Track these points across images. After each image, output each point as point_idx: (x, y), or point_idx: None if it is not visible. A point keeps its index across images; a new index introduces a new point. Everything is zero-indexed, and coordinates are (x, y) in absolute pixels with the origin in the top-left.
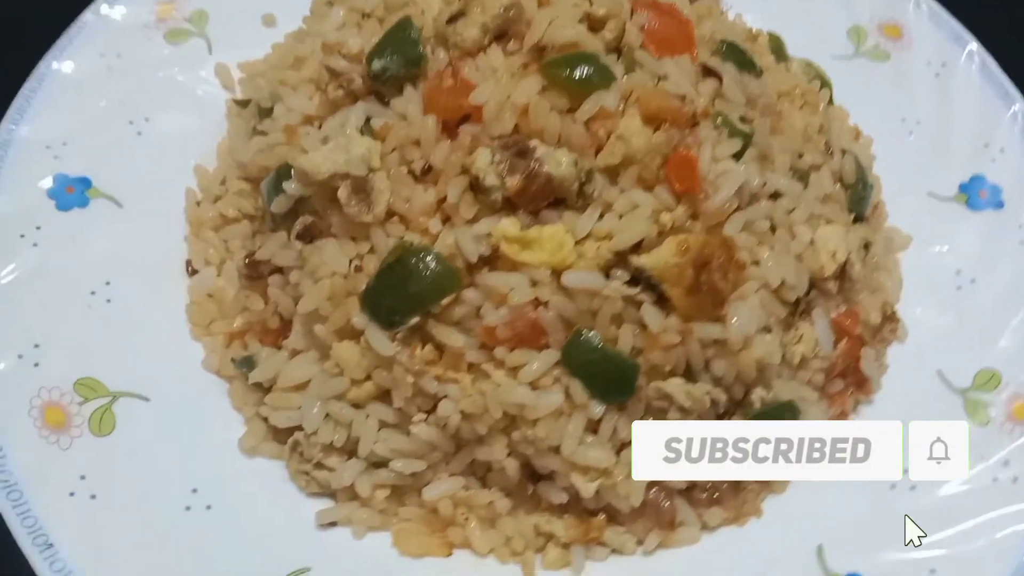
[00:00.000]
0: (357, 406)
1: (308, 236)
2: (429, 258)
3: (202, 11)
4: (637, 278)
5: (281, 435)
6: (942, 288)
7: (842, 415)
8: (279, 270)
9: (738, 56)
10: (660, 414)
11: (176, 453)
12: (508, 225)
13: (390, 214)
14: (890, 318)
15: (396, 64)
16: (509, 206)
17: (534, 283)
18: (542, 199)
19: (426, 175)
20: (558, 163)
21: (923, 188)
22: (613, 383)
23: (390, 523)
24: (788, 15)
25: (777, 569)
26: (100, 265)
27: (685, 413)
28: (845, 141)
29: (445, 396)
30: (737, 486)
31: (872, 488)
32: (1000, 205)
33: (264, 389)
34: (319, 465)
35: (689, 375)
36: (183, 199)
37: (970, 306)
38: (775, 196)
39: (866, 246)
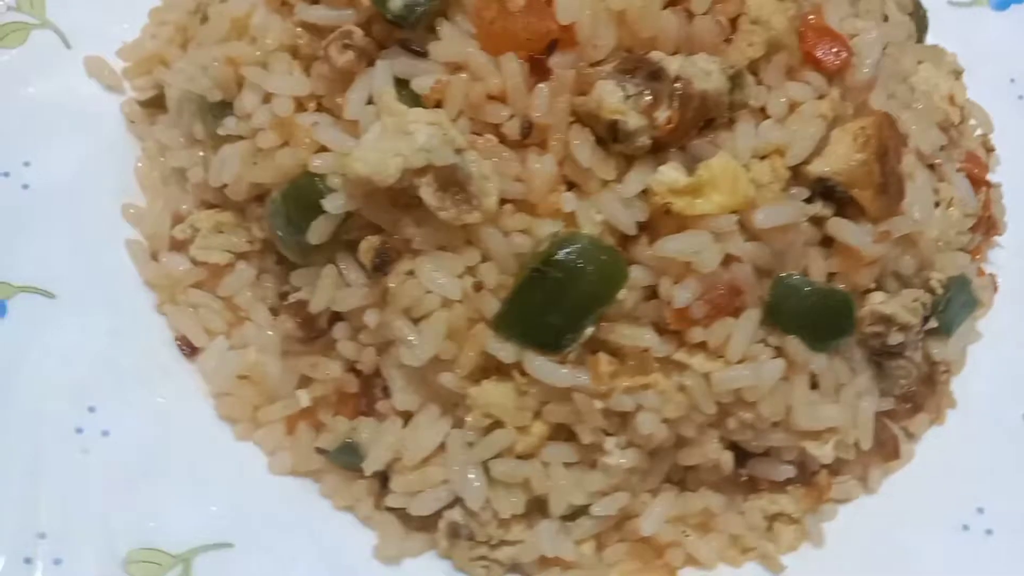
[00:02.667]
0: (523, 456)
1: (386, 264)
2: (582, 246)
3: None
4: (813, 191)
5: (419, 523)
6: (1005, 103)
7: (980, 270)
8: (338, 316)
9: None
10: (876, 339)
11: None
12: (673, 174)
13: (501, 204)
14: (990, 149)
15: None
16: (655, 149)
17: (718, 237)
18: (693, 127)
19: (528, 137)
20: (706, 75)
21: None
22: (836, 324)
23: (602, 573)
24: None
25: (996, 454)
26: (67, 389)
27: (906, 331)
28: None
29: (640, 408)
30: (931, 383)
31: None
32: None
33: (376, 474)
34: (502, 543)
35: (880, 285)
36: (126, 258)
37: None
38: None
39: (957, 76)
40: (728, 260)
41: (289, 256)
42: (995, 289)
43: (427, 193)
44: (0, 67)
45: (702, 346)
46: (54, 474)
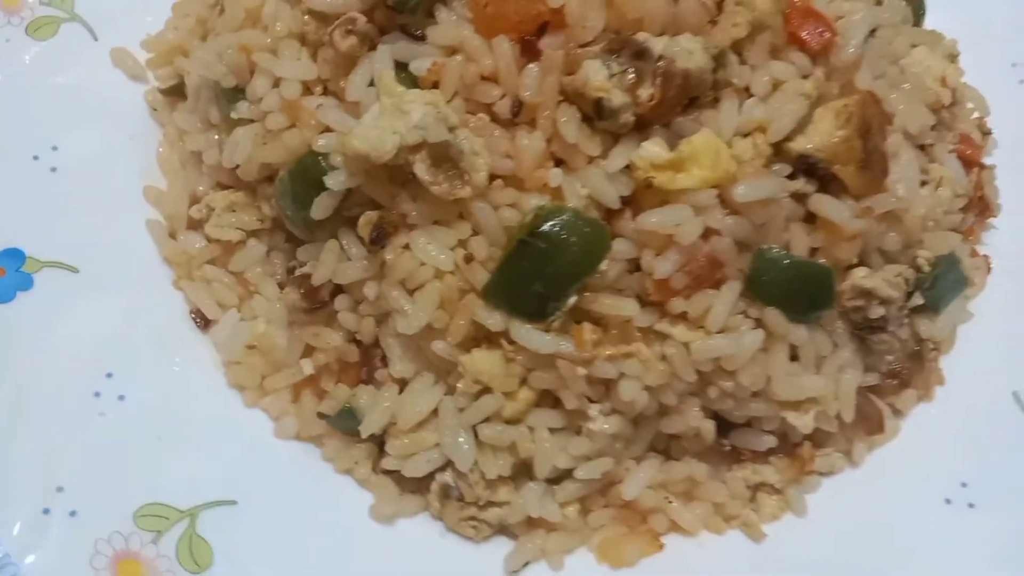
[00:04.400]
0: (511, 422)
1: (382, 237)
2: (568, 218)
3: None
4: (795, 167)
5: (414, 485)
6: (1006, 86)
7: (974, 251)
8: (340, 288)
9: None
10: (856, 313)
11: (300, 556)
12: (655, 149)
13: (490, 179)
14: (986, 132)
15: None
16: (640, 126)
17: (698, 210)
18: (676, 104)
19: (518, 116)
20: (688, 53)
21: None
22: (815, 297)
23: (586, 538)
24: None
25: (982, 431)
26: (87, 355)
27: (888, 304)
28: None
29: (622, 376)
30: (919, 360)
31: None
32: None
33: (373, 438)
34: (489, 503)
35: (862, 260)
36: (147, 236)
37: None
38: (872, 31)
39: (953, 59)
40: (708, 233)
41: (296, 232)
42: (988, 270)
43: (421, 169)
44: (31, 58)
45: (683, 317)
46: (73, 434)
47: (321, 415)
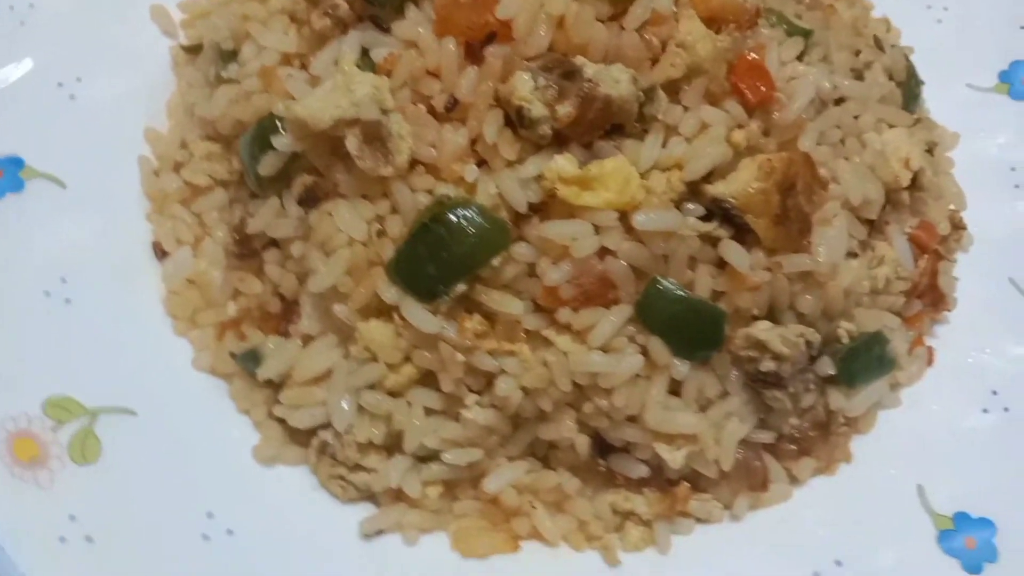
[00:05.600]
0: (394, 394)
1: (311, 200)
2: (471, 212)
3: None
4: (711, 211)
5: (301, 437)
6: (999, 188)
7: (919, 339)
8: (274, 243)
9: None
10: (750, 364)
11: (180, 474)
12: (564, 164)
13: (413, 164)
14: (957, 225)
15: None
16: (557, 141)
17: (598, 229)
18: (599, 128)
19: (451, 112)
20: (615, 82)
21: (960, 80)
22: (700, 336)
23: (446, 523)
24: None
25: (877, 517)
26: (50, 259)
27: (780, 361)
28: (881, 34)
29: (502, 372)
30: (825, 432)
31: (964, 415)
32: None
33: (274, 386)
34: (357, 467)
35: (772, 316)
36: (136, 170)
37: None
38: (839, 101)
39: (930, 149)
40: (605, 253)
41: (250, 186)
42: (930, 362)
43: (352, 143)
44: (73, 5)
45: (569, 328)
46: (12, 320)
47: (232, 354)
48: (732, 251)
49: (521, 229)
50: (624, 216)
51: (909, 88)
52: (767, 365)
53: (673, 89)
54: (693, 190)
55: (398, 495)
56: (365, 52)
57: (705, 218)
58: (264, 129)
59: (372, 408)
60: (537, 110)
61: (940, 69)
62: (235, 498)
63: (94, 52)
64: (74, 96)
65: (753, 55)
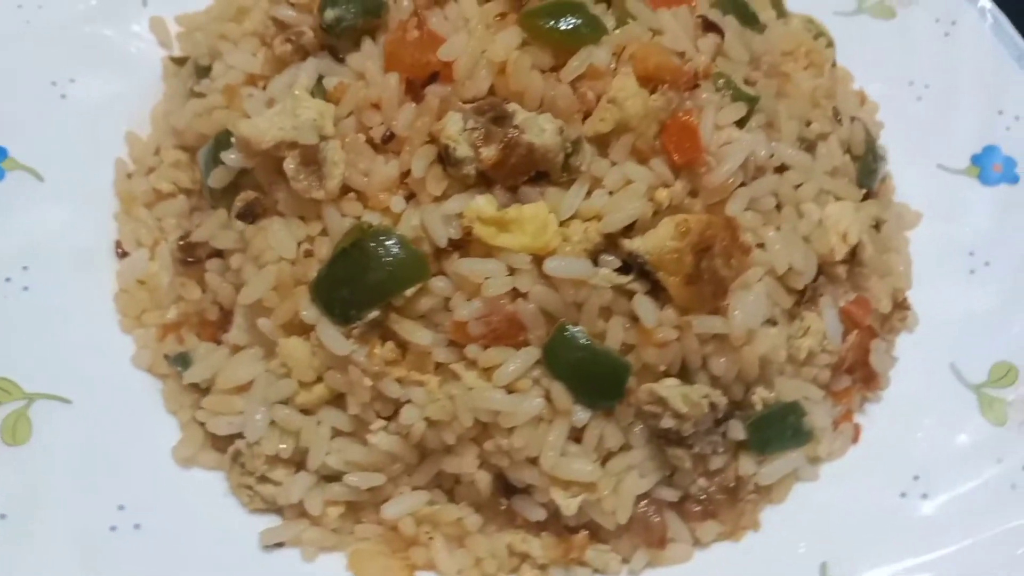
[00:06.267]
0: (307, 412)
1: (251, 215)
2: (391, 242)
3: None
4: (628, 264)
5: (221, 443)
6: (954, 271)
7: (847, 415)
8: (219, 253)
9: (740, 9)
10: (652, 419)
11: (100, 464)
12: (483, 204)
13: (345, 190)
14: (900, 305)
15: (352, 13)
16: (483, 181)
17: (512, 271)
18: (522, 173)
19: (388, 144)
20: (541, 130)
21: (932, 160)
22: (601, 385)
23: (345, 543)
24: None
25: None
26: (16, 248)
27: (680, 419)
28: (850, 106)
29: (408, 401)
30: (733, 497)
31: (881, 496)
32: (1015, 179)
33: (202, 390)
34: (263, 479)
35: (684, 374)
36: (112, 171)
37: (985, 291)
38: (781, 169)
39: (877, 225)
40: (517, 295)
41: (206, 197)
42: (854, 439)
43: (290, 164)
44: (88, 7)
45: (476, 364)
46: None
47: (165, 356)
48: (641, 306)
49: (441, 263)
50: (538, 260)
51: (866, 163)
52: (667, 422)
53: (604, 143)
54: (611, 243)
55: (301, 511)
56: (320, 80)
57: (624, 271)
58: (219, 143)
59: (282, 423)
60: (462, 150)
61: (913, 147)
62: (148, 494)
63: (91, 56)
64: (65, 95)
65: (686, 117)
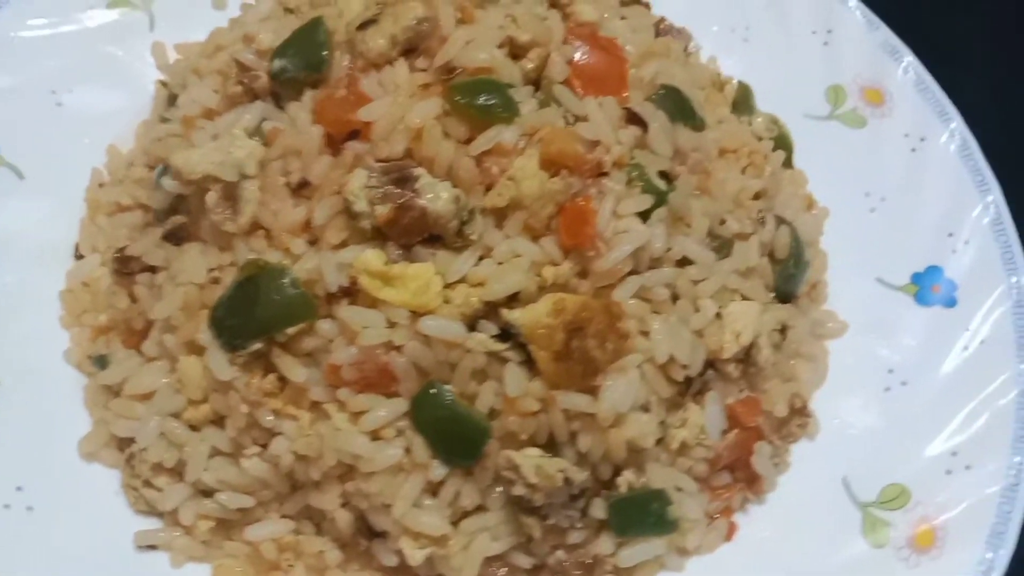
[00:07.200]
0: (194, 428)
1: (176, 237)
2: (284, 281)
3: None
4: (507, 333)
5: (123, 444)
6: (870, 387)
7: (727, 511)
8: (152, 269)
9: (677, 104)
10: (508, 485)
11: (9, 444)
12: (371, 257)
13: (256, 227)
14: (799, 412)
15: (295, 66)
16: (380, 236)
17: (392, 324)
18: (415, 234)
19: (302, 190)
20: (436, 197)
21: (873, 272)
22: (459, 445)
23: (212, 556)
24: (768, 64)
25: None
26: None
27: (532, 489)
28: (791, 210)
29: (279, 433)
30: (589, 574)
31: None
32: (952, 303)
33: (115, 393)
34: (148, 483)
35: (552, 447)
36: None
37: (896, 412)
38: (684, 263)
39: (783, 330)
40: (391, 347)
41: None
42: (727, 537)
43: (211, 197)
44: (100, 25)
45: (347, 407)
46: None
47: (88, 356)
48: (509, 375)
49: (331, 308)
50: (417, 317)
51: (786, 267)
52: (519, 490)
53: (501, 216)
54: (492, 311)
55: (177, 519)
56: (263, 122)
57: (503, 339)
58: (165, 169)
59: (170, 434)
60: (360, 205)
61: (857, 257)
62: (48, 481)
63: (93, 70)
64: (61, 104)
65: (584, 202)
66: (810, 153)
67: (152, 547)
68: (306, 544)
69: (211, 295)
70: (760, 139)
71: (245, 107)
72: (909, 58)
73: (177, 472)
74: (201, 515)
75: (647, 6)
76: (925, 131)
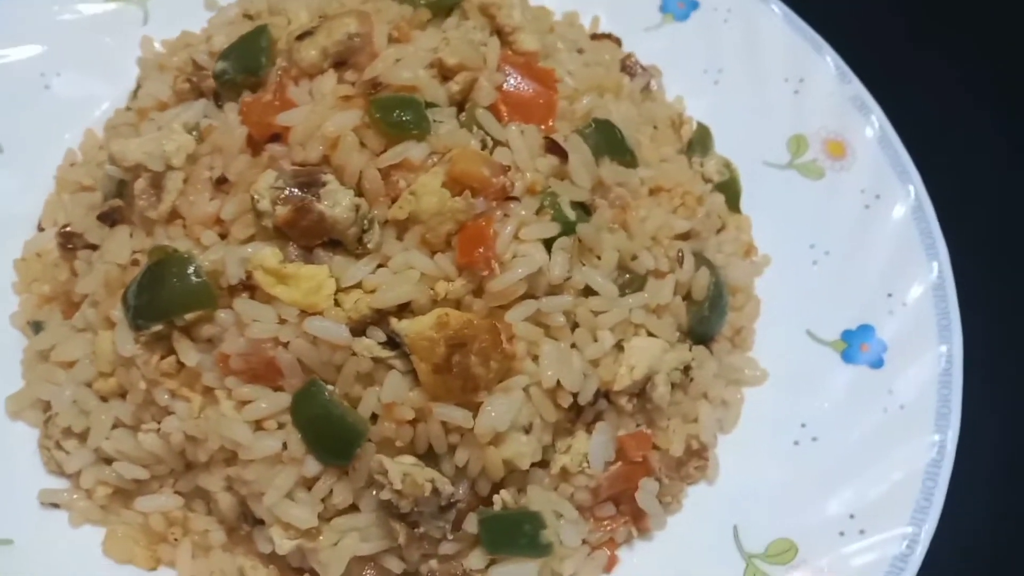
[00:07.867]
0: (104, 399)
1: (109, 219)
2: (189, 269)
3: None
4: (395, 342)
5: (48, 407)
6: (779, 438)
7: (610, 543)
8: (93, 247)
9: (606, 138)
10: (378, 488)
11: None
12: (267, 255)
13: (176, 216)
14: (696, 453)
15: (234, 69)
16: (283, 236)
17: (282, 321)
18: (315, 236)
19: (221, 186)
20: (335, 203)
21: (804, 325)
22: (332, 444)
23: (108, 521)
24: (736, 108)
25: None
26: None
27: (398, 495)
28: (724, 254)
29: (172, 412)
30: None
31: None
32: (879, 364)
33: (45, 358)
34: (58, 445)
35: (432, 458)
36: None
37: (801, 466)
38: (588, 292)
39: (686, 370)
40: (279, 343)
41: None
42: (607, 568)
43: (139, 184)
44: (96, 14)
45: (234, 395)
46: None
47: (28, 322)
48: (391, 382)
49: (232, 298)
50: (306, 317)
51: (700, 310)
52: (386, 495)
53: (403, 228)
54: (383, 318)
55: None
56: (203, 119)
57: (391, 347)
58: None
59: (81, 402)
60: (264, 204)
61: (790, 308)
62: None
63: (83, 57)
64: (48, 86)
65: (484, 223)
66: (763, 200)
67: (55, 505)
68: (194, 521)
69: (130, 275)
70: (708, 181)
71: (190, 104)
72: (877, 114)
73: (84, 438)
74: (101, 481)
75: (617, 42)
76: (881, 189)
